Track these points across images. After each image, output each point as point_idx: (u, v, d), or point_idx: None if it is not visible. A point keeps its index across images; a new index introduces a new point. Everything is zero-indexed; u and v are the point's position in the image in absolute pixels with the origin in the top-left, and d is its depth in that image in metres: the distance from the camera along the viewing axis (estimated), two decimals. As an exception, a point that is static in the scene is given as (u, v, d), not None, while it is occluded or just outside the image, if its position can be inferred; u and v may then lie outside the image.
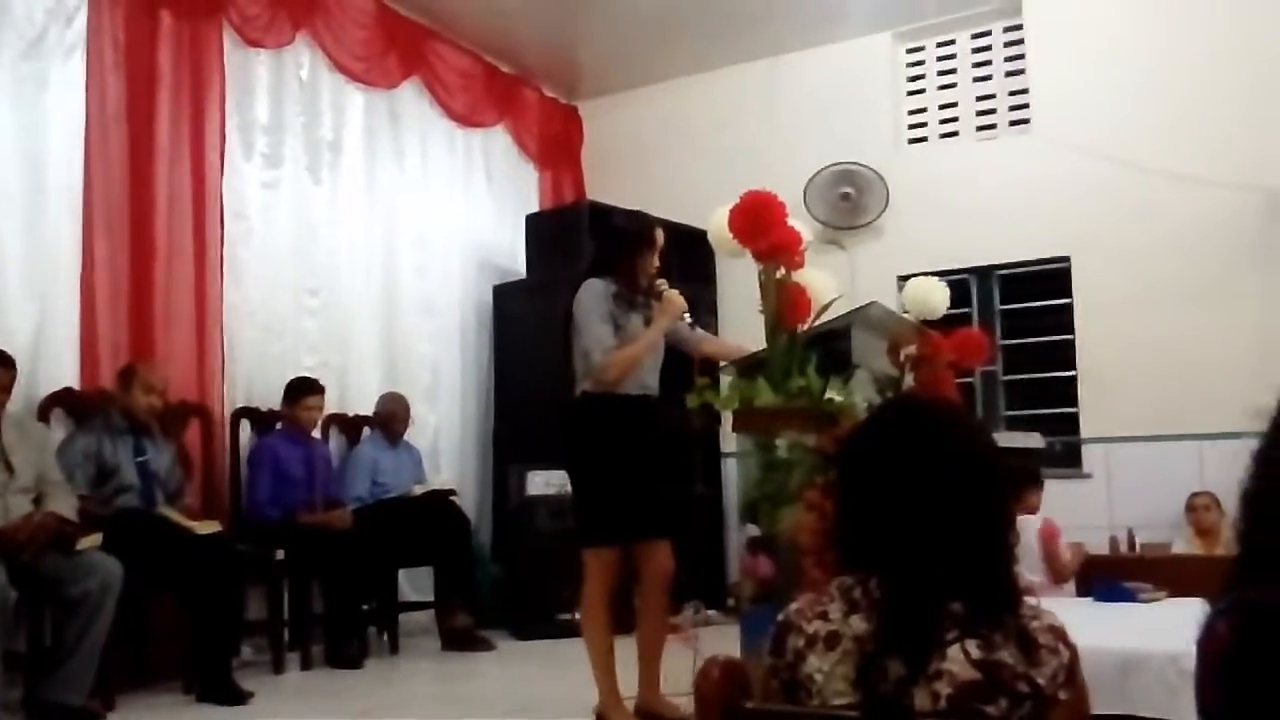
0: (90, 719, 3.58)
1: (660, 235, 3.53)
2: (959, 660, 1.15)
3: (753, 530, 2.76)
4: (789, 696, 1.24)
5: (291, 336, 5.32)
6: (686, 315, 3.45)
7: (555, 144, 7.15)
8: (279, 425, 5.00)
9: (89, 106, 4.46)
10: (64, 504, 3.70)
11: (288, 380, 5.04)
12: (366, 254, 5.77)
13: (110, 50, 4.56)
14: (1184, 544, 4.94)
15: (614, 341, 3.34)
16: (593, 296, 3.38)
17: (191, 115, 4.86)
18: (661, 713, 3.43)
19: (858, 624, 1.20)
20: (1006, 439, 5.06)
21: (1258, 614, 0.94)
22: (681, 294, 3.48)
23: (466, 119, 6.45)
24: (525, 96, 6.94)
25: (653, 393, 3.49)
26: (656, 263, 3.50)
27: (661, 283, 3.46)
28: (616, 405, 3.38)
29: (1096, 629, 2.19)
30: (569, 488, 3.58)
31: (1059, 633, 1.19)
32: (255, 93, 5.25)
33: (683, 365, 3.63)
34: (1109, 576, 3.10)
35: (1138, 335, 5.57)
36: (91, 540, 3.72)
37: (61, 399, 4.25)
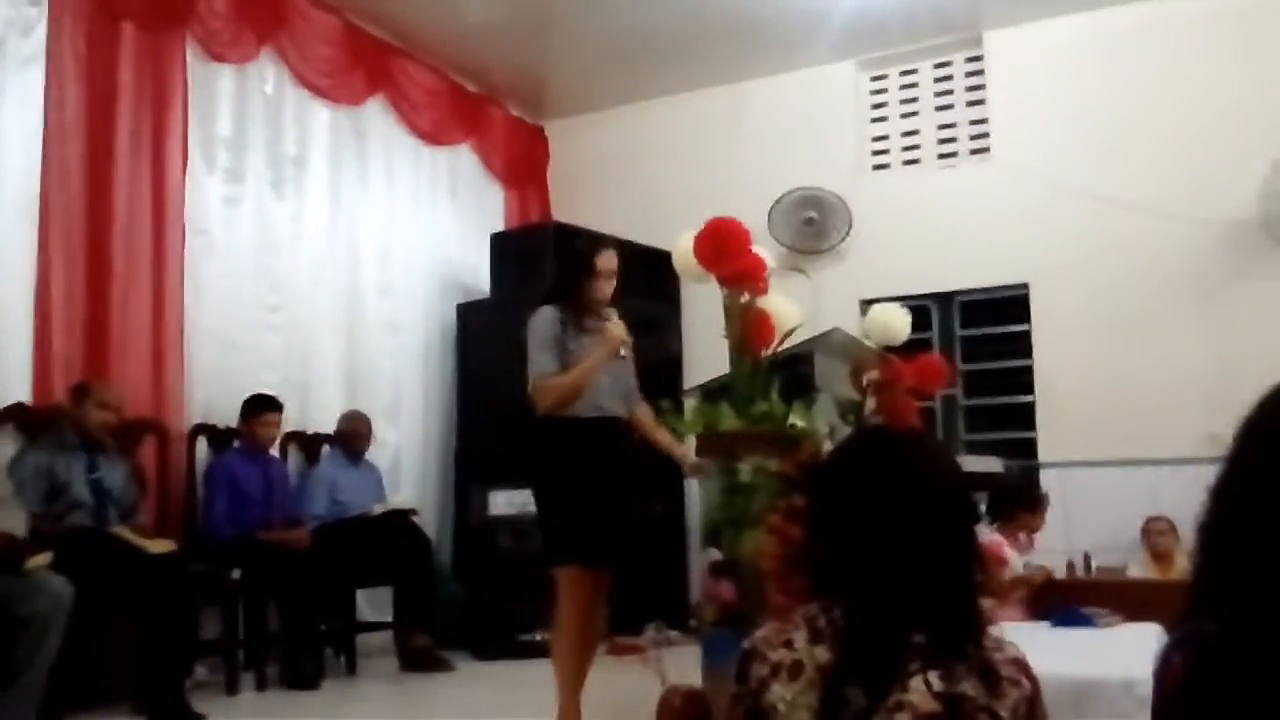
0: (38, 742, 3.50)
1: (604, 260, 3.50)
2: (920, 691, 1.15)
3: (715, 554, 2.76)
4: (752, 725, 1.24)
5: (252, 353, 5.26)
6: (624, 350, 3.46)
7: (521, 164, 7.15)
8: (236, 443, 4.94)
9: (47, 118, 4.39)
10: (13, 521, 3.62)
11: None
12: (330, 271, 5.72)
13: (70, 61, 4.49)
14: (1139, 568, 5.02)
15: (554, 369, 3.37)
16: (540, 323, 3.42)
17: (152, 129, 4.80)
18: None
19: (821, 654, 1.21)
20: (966, 463, 5.12)
21: (1210, 646, 0.96)
22: (641, 313, 3.51)
23: (432, 137, 6.43)
24: (491, 115, 6.94)
25: (611, 414, 3.47)
26: (605, 288, 3.48)
27: (609, 312, 3.47)
28: (570, 428, 3.39)
29: (1052, 654, 2.22)
30: (531, 507, 3.59)
31: (1021, 665, 1.20)
32: (218, 107, 5.20)
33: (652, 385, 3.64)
34: (1066, 600, 3.13)
35: (1095, 362, 5.66)
36: (41, 559, 3.63)
37: (13, 414, 4.16)
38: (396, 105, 6.20)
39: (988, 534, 3.96)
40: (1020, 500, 4.34)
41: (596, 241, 3.67)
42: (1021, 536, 4.32)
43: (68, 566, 3.65)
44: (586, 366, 3.39)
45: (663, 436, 3.49)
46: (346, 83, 5.82)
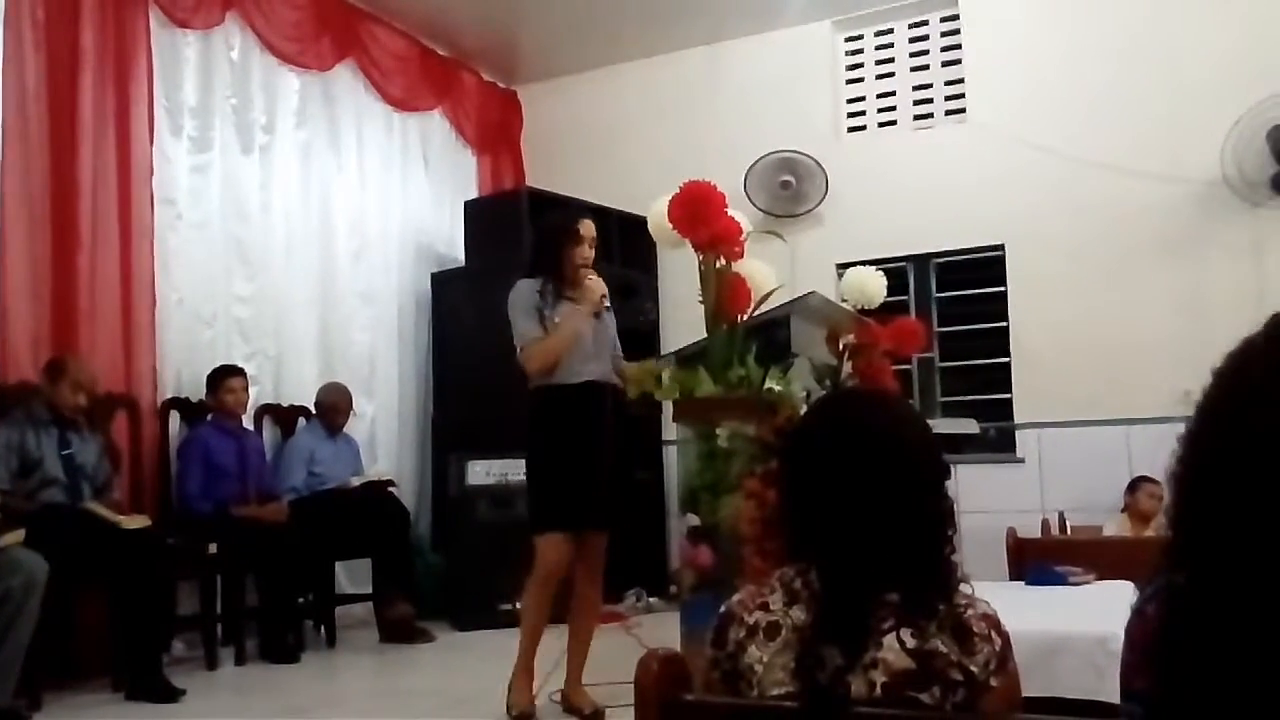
0: (16, 719, 3.49)
1: (586, 226, 3.55)
2: (894, 649, 1.16)
3: (693, 519, 2.76)
4: (729, 687, 1.24)
5: (223, 325, 5.20)
6: (605, 301, 3.50)
7: (494, 129, 7.08)
8: (209, 416, 4.89)
9: (6, 86, 4.30)
10: (-16, 499, 3.59)
11: (215, 370, 4.94)
12: (301, 240, 5.66)
13: (30, 28, 4.40)
14: (1115, 527, 5.06)
15: (538, 334, 3.42)
16: (517, 295, 3.47)
17: (116, 97, 4.71)
18: (580, 706, 3.49)
19: (798, 615, 1.21)
20: (942, 425, 5.15)
21: (1181, 596, 0.96)
22: (617, 279, 3.53)
23: (403, 103, 6.35)
24: (463, 80, 6.85)
25: (597, 378, 3.49)
26: (587, 254, 3.52)
27: (586, 272, 3.50)
28: (555, 396, 3.44)
29: (1026, 612, 2.23)
30: (511, 477, 3.65)
31: (992, 621, 1.21)
32: (183, 74, 5.11)
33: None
34: (1040, 559, 3.15)
35: (1070, 322, 5.69)
36: (14, 536, 3.62)
37: (-19, 390, 4.11)
38: (366, 71, 6.11)
39: None
40: None
41: (567, 210, 3.70)
42: None
43: (42, 543, 3.63)
44: (571, 325, 3.42)
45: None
46: (314, 48, 5.72)
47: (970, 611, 1.20)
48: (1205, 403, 0.95)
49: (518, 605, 3.73)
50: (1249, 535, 0.87)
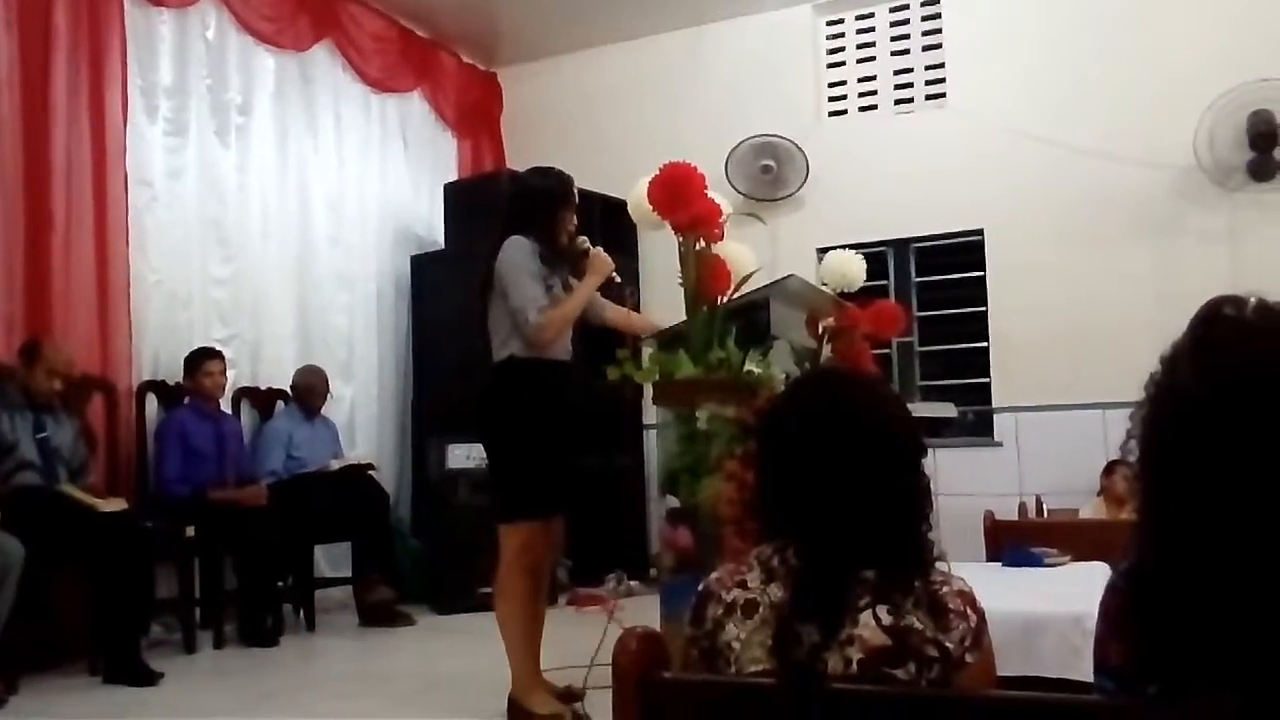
0: (-8, 703, 3.47)
1: (576, 192, 3.42)
2: (870, 626, 1.17)
3: (673, 502, 2.77)
4: (708, 665, 1.25)
5: (200, 307, 5.16)
6: (615, 274, 3.37)
7: (474, 111, 7.04)
8: (186, 399, 4.86)
9: (-22, 66, 4.24)
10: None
11: (192, 352, 4.90)
12: (279, 222, 5.61)
13: (1, 7, 4.33)
14: (1091, 510, 5.10)
15: (547, 300, 3.17)
16: (520, 254, 3.18)
17: (90, 77, 4.64)
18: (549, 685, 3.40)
19: (775, 592, 1.22)
20: (921, 409, 5.18)
21: (1148, 571, 0.98)
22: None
23: (381, 84, 6.30)
24: (443, 62, 6.80)
25: (570, 358, 3.38)
26: (574, 220, 3.39)
27: (583, 240, 3.38)
28: (544, 371, 3.21)
29: (1003, 593, 2.25)
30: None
31: (968, 598, 1.22)
32: (158, 54, 5.05)
33: (607, 332, 3.59)
34: (1017, 541, 3.18)
35: (1047, 307, 5.73)
36: (-11, 519, 3.59)
37: (-46, 373, 4.06)
38: (344, 51, 6.05)
39: None
40: None
41: (554, 173, 3.45)
42: None
43: (18, 526, 3.60)
44: (583, 294, 3.26)
45: (635, 318, 3.49)
46: (291, 28, 5.67)
47: (946, 588, 1.21)
48: (1146, 413, 0.99)
49: (488, 589, 3.53)
50: (1198, 525, 0.91)
